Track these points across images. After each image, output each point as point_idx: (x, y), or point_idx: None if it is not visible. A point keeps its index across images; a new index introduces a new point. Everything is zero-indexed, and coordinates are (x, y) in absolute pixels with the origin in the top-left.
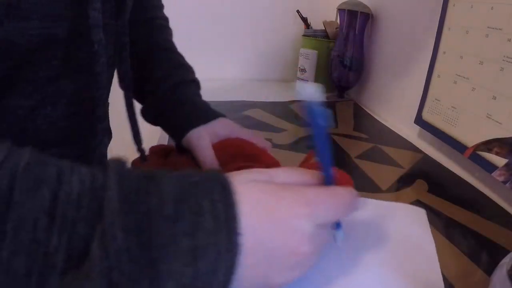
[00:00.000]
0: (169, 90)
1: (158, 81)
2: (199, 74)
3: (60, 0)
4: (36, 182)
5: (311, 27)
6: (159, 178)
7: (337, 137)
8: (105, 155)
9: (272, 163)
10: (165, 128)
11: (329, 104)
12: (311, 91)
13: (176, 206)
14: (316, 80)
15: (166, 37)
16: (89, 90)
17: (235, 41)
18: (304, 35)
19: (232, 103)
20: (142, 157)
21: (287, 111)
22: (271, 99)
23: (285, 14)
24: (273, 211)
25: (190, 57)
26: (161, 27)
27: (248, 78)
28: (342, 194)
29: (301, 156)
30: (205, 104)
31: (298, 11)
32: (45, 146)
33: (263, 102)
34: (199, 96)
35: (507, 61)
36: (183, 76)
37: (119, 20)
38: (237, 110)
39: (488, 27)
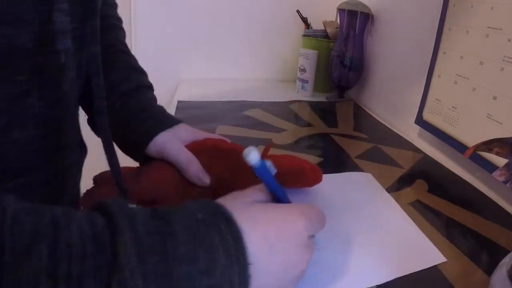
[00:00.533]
0: (125, 96)
1: (113, 85)
2: (199, 74)
3: (21, 1)
4: (30, 237)
5: (311, 27)
6: (167, 217)
7: (337, 137)
8: (79, 176)
9: None
10: (122, 138)
11: (329, 104)
12: (253, 156)
13: (189, 246)
14: (316, 80)
15: (119, 38)
16: (60, 107)
17: (235, 41)
18: (304, 35)
19: (232, 103)
20: (123, 194)
21: (287, 111)
22: (271, 99)
23: (285, 14)
24: (281, 228)
25: (190, 57)
26: (114, 27)
27: (248, 78)
28: (318, 210)
29: (301, 156)
30: (165, 110)
31: (298, 11)
32: (9, 177)
33: (263, 102)
34: (156, 101)
35: (507, 61)
36: (139, 81)
37: (87, 25)
38: (237, 110)
39: (488, 27)
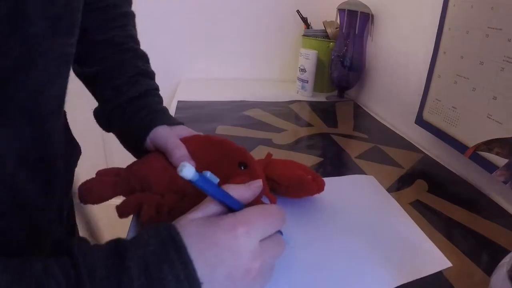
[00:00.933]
0: (132, 98)
1: (122, 90)
2: (200, 74)
3: None
4: None
5: (311, 27)
6: (122, 253)
7: (337, 137)
8: (70, 184)
9: (236, 147)
10: (124, 134)
11: (329, 104)
12: (187, 170)
13: (142, 279)
14: (316, 80)
15: (128, 33)
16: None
17: (235, 41)
18: (304, 35)
19: (232, 103)
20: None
21: (287, 111)
22: (271, 99)
23: (285, 14)
24: (217, 241)
25: (191, 58)
26: (124, 16)
27: (248, 78)
28: (270, 209)
29: (301, 156)
30: (167, 111)
31: (298, 11)
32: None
33: (263, 102)
34: (162, 103)
35: (507, 61)
36: (148, 85)
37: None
38: (237, 110)
39: (488, 27)
